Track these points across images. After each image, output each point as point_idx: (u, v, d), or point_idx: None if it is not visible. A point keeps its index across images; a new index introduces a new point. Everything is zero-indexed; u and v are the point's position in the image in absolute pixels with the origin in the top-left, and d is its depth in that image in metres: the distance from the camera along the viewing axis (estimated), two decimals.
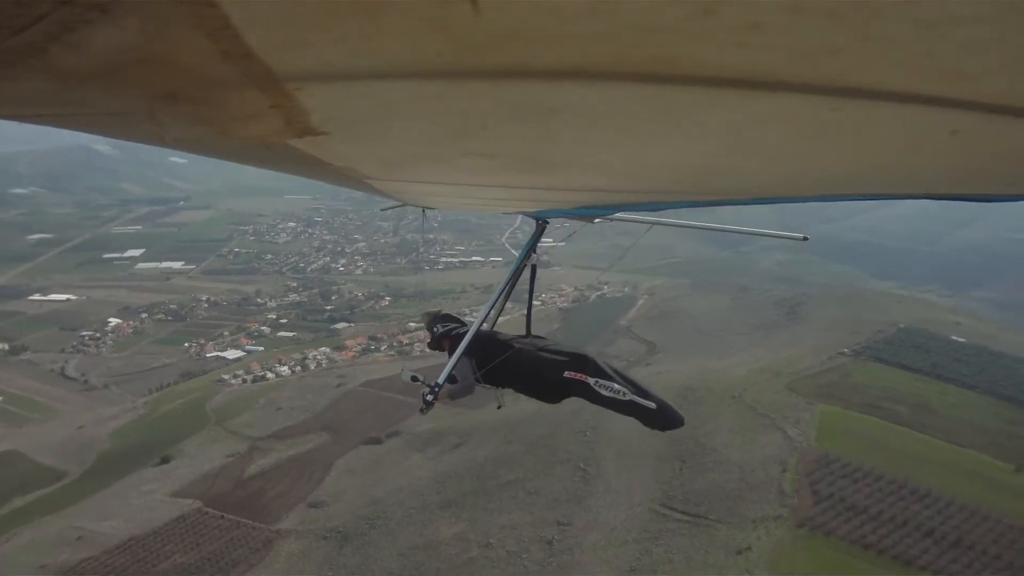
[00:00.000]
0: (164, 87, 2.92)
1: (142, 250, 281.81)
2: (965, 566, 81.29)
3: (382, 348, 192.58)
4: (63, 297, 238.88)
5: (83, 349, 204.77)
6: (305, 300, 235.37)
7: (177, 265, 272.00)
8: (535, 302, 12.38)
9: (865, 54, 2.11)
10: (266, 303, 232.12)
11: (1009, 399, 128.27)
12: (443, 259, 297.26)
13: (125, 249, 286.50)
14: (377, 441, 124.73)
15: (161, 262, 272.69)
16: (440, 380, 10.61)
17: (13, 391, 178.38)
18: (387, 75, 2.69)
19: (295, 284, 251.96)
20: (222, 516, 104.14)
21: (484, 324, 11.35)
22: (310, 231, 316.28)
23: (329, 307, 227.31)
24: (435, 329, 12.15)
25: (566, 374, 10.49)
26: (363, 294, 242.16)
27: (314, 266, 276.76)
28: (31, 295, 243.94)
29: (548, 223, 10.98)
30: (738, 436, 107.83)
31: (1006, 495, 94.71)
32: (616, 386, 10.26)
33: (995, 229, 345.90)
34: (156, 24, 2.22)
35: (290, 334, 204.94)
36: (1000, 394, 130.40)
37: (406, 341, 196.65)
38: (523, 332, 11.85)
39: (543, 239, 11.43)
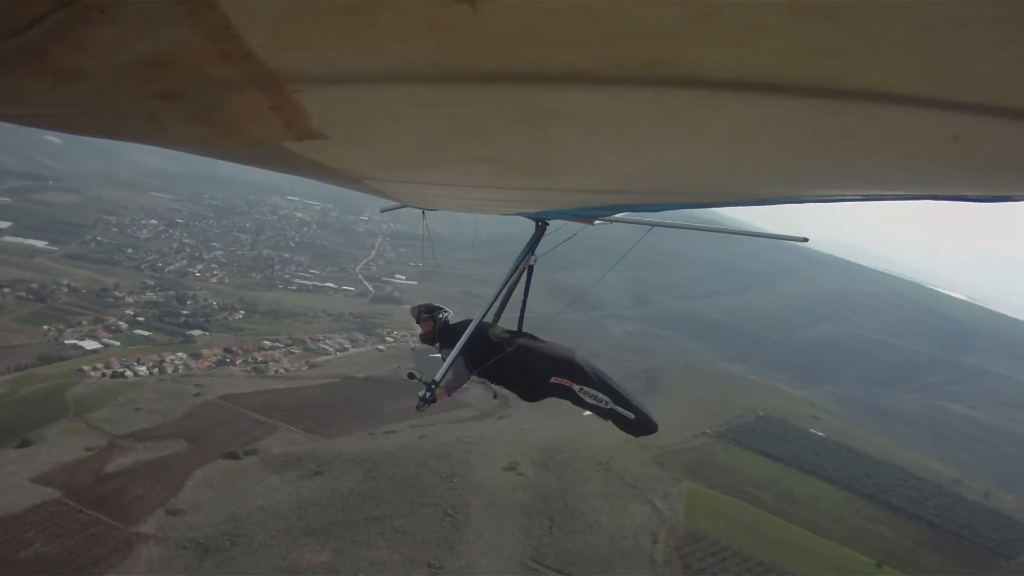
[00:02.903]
0: (164, 88, 3.02)
1: (9, 223, 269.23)
2: None
3: (237, 362, 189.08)
4: None
5: None
6: (162, 301, 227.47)
7: (41, 244, 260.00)
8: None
9: (866, 57, 2.12)
10: (124, 297, 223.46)
11: (868, 497, 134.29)
12: (297, 280, 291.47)
13: None
14: (235, 456, 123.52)
15: (27, 238, 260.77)
16: (437, 378, 10.92)
17: None
18: (387, 78, 2.76)
19: (152, 283, 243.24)
20: (82, 510, 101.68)
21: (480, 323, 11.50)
22: (171, 231, 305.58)
23: (185, 312, 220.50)
24: (424, 317, 12.34)
25: (553, 379, 10.80)
26: (217, 304, 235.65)
27: (172, 267, 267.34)
28: None
29: (548, 224, 11.11)
30: (607, 503, 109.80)
31: None
32: (600, 395, 10.64)
33: (847, 326, 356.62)
34: (156, 25, 2.26)
35: (146, 333, 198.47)
36: (860, 491, 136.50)
37: (260, 359, 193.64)
38: (515, 328, 11.95)
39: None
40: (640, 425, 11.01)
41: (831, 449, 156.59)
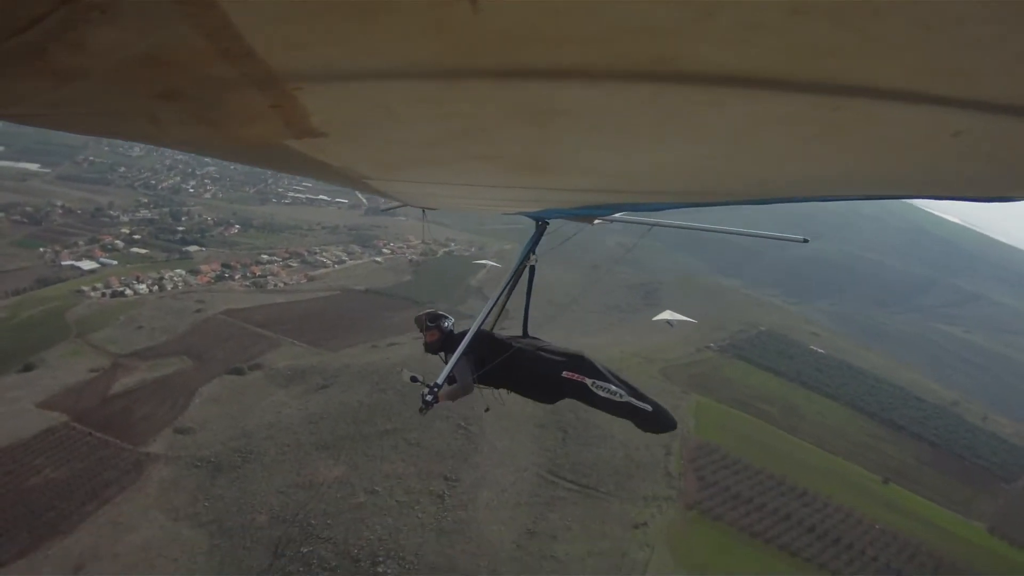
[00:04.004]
0: (164, 87, 2.97)
1: (1, 148, 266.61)
2: (846, 563, 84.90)
3: (236, 277, 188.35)
4: None
5: None
6: (156, 218, 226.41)
7: (34, 167, 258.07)
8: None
9: (866, 54, 2.07)
10: (119, 216, 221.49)
11: (871, 415, 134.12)
12: (290, 193, 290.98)
13: None
14: (239, 372, 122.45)
15: (19, 162, 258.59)
16: (439, 380, 10.74)
17: None
18: (387, 76, 2.70)
19: (146, 201, 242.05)
20: (90, 433, 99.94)
21: (483, 325, 11.30)
22: (163, 149, 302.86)
23: (180, 228, 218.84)
24: (428, 326, 12.03)
25: (564, 374, 10.63)
26: (212, 219, 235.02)
27: (165, 184, 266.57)
28: None
29: (548, 223, 10.98)
30: None
31: (877, 504, 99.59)
32: (612, 387, 10.55)
33: (843, 245, 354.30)
34: (156, 24, 2.19)
35: (143, 251, 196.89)
36: (863, 409, 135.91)
37: (259, 273, 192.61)
38: (519, 333, 11.89)
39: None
40: (658, 418, 10.77)
41: (832, 366, 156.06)
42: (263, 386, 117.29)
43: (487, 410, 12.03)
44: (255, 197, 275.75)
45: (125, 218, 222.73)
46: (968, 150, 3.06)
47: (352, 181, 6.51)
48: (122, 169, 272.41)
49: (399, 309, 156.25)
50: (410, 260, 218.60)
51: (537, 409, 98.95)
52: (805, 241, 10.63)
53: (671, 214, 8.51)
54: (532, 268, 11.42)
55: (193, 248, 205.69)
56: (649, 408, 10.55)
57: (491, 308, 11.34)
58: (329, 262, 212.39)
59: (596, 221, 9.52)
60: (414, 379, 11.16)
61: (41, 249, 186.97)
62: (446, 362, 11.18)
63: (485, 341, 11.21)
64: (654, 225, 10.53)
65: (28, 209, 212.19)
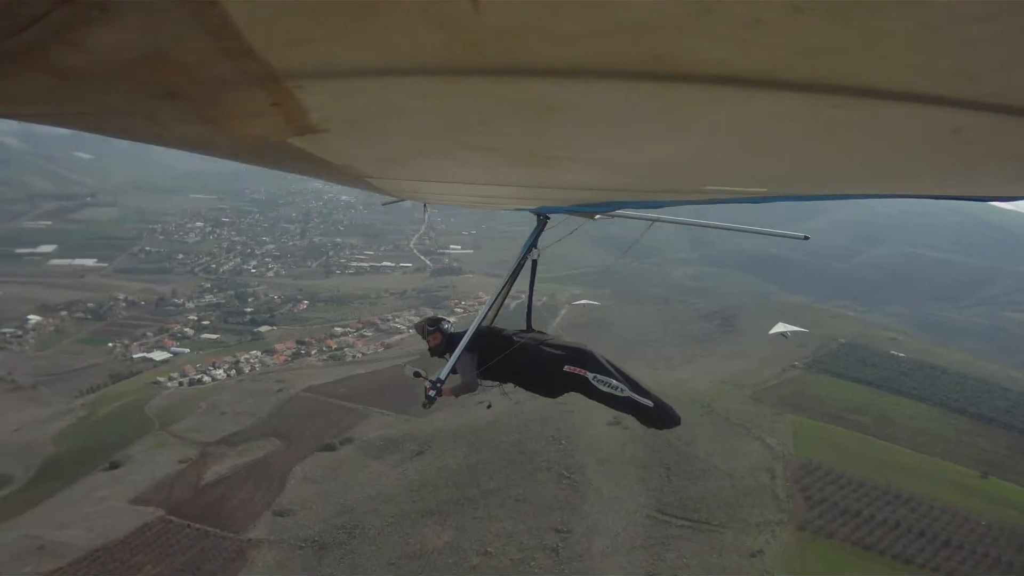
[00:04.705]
0: (164, 85, 2.87)
1: (54, 246, 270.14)
2: (959, 563, 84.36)
3: (312, 353, 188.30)
4: None
5: (5, 346, 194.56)
6: (222, 302, 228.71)
7: (90, 262, 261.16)
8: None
9: (866, 52, 2.10)
10: (184, 304, 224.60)
11: (960, 411, 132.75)
12: (353, 263, 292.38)
13: (36, 244, 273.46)
14: (331, 447, 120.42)
15: (74, 259, 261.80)
16: (443, 376, 10.92)
17: None
18: (387, 72, 2.69)
19: (209, 285, 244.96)
20: (188, 525, 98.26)
21: (485, 320, 11.58)
22: (218, 231, 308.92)
23: (248, 309, 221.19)
24: (429, 331, 12.30)
25: (566, 368, 10.69)
26: (279, 297, 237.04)
27: (226, 267, 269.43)
28: None
29: (549, 219, 11.00)
30: (718, 445, 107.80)
31: (979, 499, 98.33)
32: (614, 382, 10.53)
33: (903, 247, 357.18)
34: (156, 22, 2.22)
35: (214, 336, 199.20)
36: (950, 406, 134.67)
37: (335, 346, 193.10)
38: (523, 326, 12.12)
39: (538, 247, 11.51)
40: (660, 414, 10.83)
41: (914, 368, 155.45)
42: (357, 459, 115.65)
43: (489, 406, 14.78)
44: (318, 271, 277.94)
45: (191, 305, 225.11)
46: (968, 149, 3.18)
47: (354, 178, 6.57)
48: (180, 256, 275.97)
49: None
50: None
51: (637, 449, 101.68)
52: (806, 239, 10.88)
53: (673, 210, 9.11)
54: (534, 262, 11.63)
55: (264, 328, 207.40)
56: (651, 404, 10.63)
57: (493, 303, 11.77)
58: (403, 328, 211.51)
59: (597, 217, 9.81)
60: (417, 374, 11.39)
61: (110, 344, 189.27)
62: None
63: (487, 337, 11.55)
64: (655, 221, 10.65)
65: (90, 305, 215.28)
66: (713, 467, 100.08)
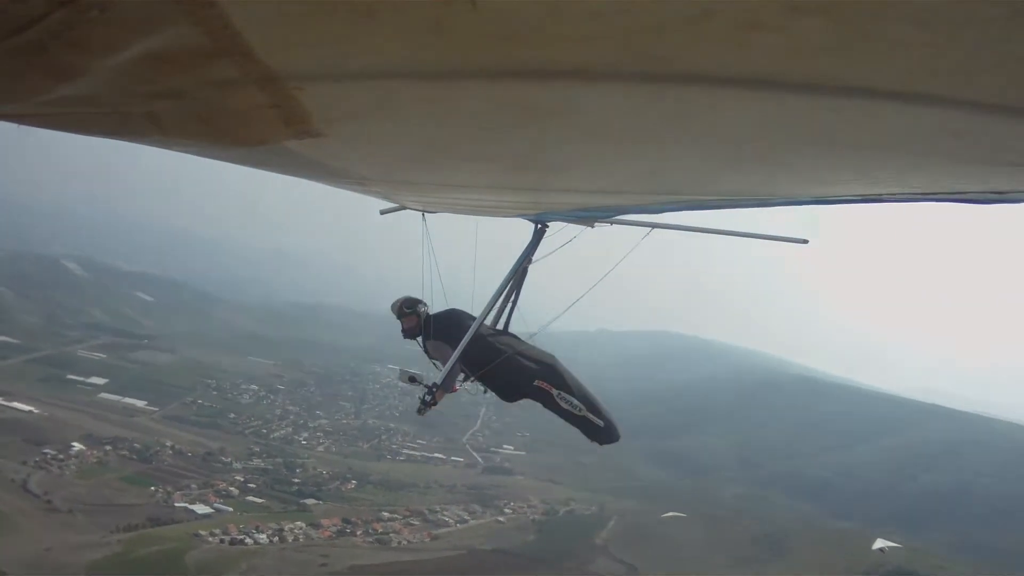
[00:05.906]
0: (164, 87, 2.94)
1: (106, 380, 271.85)
2: None
3: (358, 533, 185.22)
4: (26, 408, 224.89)
5: (46, 467, 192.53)
6: (271, 468, 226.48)
7: (140, 403, 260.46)
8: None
9: (864, 54, 2.12)
10: (231, 463, 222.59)
11: None
12: (405, 450, 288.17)
13: (89, 375, 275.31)
14: None
15: (124, 396, 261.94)
16: (438, 381, 11.85)
17: None
18: (387, 75, 2.74)
19: (258, 449, 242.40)
20: None
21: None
22: (272, 397, 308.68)
23: (296, 480, 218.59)
24: (405, 312, 12.67)
25: (536, 383, 11.51)
26: (327, 472, 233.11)
27: (277, 434, 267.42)
28: None
29: (548, 227, 11.57)
30: None
31: None
32: (575, 401, 11.40)
33: (953, 474, 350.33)
34: (156, 24, 2.24)
35: (259, 500, 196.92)
36: None
37: (381, 530, 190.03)
38: (501, 327, 12.65)
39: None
40: (607, 433, 11.60)
41: None
42: None
43: (485, 392, 12.85)
44: (369, 452, 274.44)
45: (238, 465, 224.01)
46: (967, 149, 3.26)
47: (352, 182, 6.77)
48: (232, 415, 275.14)
49: (526, 570, 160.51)
50: (532, 520, 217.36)
51: None
52: (805, 242, 11.15)
53: (670, 217, 9.26)
54: (524, 270, 12.10)
55: (311, 501, 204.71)
56: (601, 424, 11.45)
57: (489, 308, 12.18)
58: (451, 521, 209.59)
59: (596, 224, 10.49)
60: (413, 379, 11.98)
61: (152, 488, 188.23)
62: (422, 347, 12.57)
63: (472, 339, 11.86)
64: (654, 227, 10.68)
65: (137, 445, 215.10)
66: None
